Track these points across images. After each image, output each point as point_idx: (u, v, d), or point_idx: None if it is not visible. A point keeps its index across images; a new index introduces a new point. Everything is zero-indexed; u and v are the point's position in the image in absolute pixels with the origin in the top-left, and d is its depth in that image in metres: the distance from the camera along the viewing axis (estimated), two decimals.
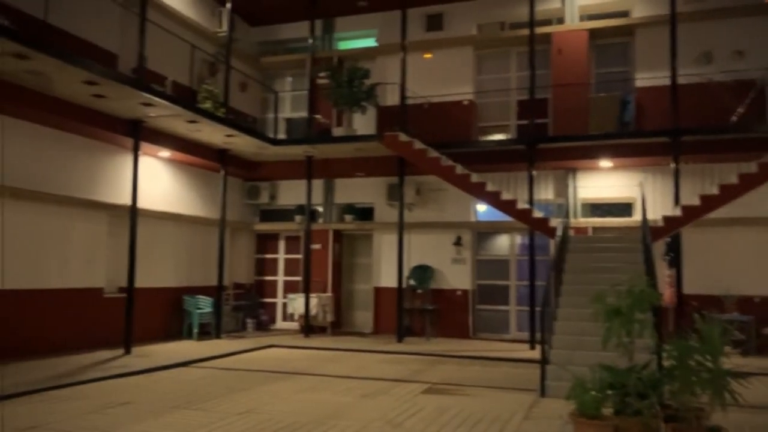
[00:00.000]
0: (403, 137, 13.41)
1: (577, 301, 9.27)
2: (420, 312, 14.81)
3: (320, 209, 16.44)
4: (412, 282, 14.94)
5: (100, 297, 12.11)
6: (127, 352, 11.23)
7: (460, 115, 14.97)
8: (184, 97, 12.46)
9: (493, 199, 13.07)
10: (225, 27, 14.90)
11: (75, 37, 10.84)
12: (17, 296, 10.32)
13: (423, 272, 15.02)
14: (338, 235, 16.31)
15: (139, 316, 11.84)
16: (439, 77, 15.33)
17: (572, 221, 13.68)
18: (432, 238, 15.19)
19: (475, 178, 13.17)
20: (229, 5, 14.69)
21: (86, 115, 10.96)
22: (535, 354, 9.80)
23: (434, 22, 15.83)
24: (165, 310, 13.83)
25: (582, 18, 14.82)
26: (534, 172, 13.39)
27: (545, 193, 14.51)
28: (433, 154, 13.39)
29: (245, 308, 15.94)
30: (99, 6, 11.25)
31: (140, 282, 12.10)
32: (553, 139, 13.76)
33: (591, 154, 13.49)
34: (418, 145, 13.42)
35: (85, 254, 11.80)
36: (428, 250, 15.17)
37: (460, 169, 13.23)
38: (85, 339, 11.54)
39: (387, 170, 14.93)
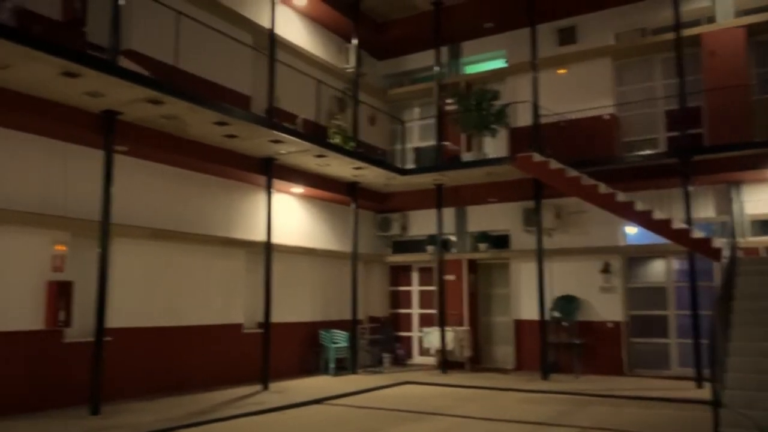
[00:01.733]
0: (537, 157, 12.56)
1: (754, 332, 7.94)
2: (566, 346, 13.63)
3: (453, 238, 15.87)
4: (555, 314, 13.83)
5: (239, 333, 12.32)
6: (265, 388, 11.24)
7: (600, 131, 13.84)
8: (314, 133, 12.57)
9: (644, 220, 11.78)
10: (352, 63, 15.01)
11: (208, 81, 11.29)
12: (161, 333, 10.70)
13: (568, 303, 13.86)
14: (473, 264, 15.60)
15: (276, 351, 11.88)
16: (575, 92, 14.35)
17: (740, 241, 12.01)
18: (576, 265, 14.02)
19: (621, 197, 11.99)
20: (355, 41, 14.80)
21: (220, 156, 11.31)
22: (704, 393, 8.46)
23: (567, 36, 14.94)
24: (301, 345, 13.85)
25: (737, 14, 13.22)
26: (690, 188, 11.94)
27: (704, 210, 12.91)
28: (572, 173, 12.40)
29: (381, 343, 15.62)
30: (231, 51, 11.66)
31: (277, 317, 12.19)
32: (710, 150, 12.22)
33: (758, 163, 11.80)
34: (555, 164, 12.50)
35: (224, 291, 12.09)
36: (572, 279, 14.01)
37: (603, 189, 12.11)
38: (226, 375, 11.73)
39: (522, 194, 14.10)
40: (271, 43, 12.15)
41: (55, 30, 8.68)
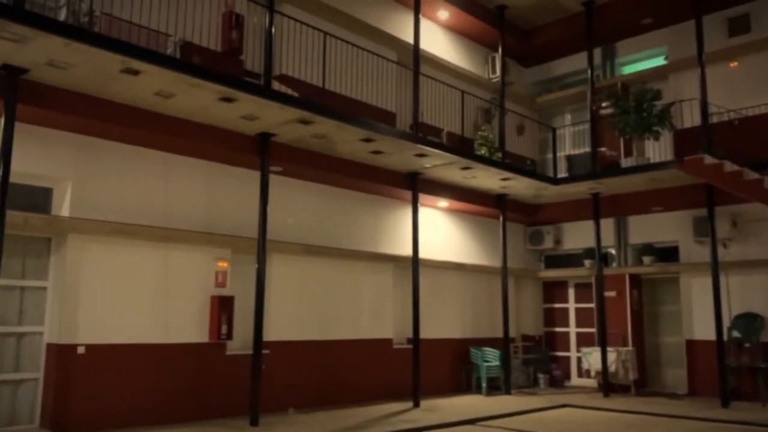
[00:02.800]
0: (708, 160, 11.30)
1: None
2: (749, 370, 12.08)
3: (612, 252, 14.78)
4: (735, 334, 12.32)
5: (389, 348, 12.31)
6: (416, 405, 11.07)
7: None
8: (459, 146, 12.33)
9: None
10: (498, 72, 14.62)
11: (355, 100, 11.47)
12: (314, 347, 10.95)
13: (750, 322, 12.29)
14: (636, 279, 14.39)
15: (426, 367, 11.68)
16: (750, 87, 12.85)
17: None
18: (758, 279, 12.41)
19: None
20: (500, 50, 14.41)
21: (367, 172, 11.43)
22: None
23: (738, 25, 13.44)
24: (451, 362, 13.56)
25: None
26: None
27: None
28: (752, 176, 11.01)
29: (535, 362, 14.87)
30: (376, 69, 11.79)
31: (426, 333, 12.00)
32: None
33: None
34: (730, 167, 11.18)
35: (373, 305, 12.16)
36: (755, 295, 12.41)
37: None
38: (376, 390, 11.73)
39: (691, 201, 12.80)
40: (415, 57, 12.14)
41: (215, 60, 9.25)
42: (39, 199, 8.31)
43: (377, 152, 10.67)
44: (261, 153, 9.51)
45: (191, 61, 8.25)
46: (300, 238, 10.90)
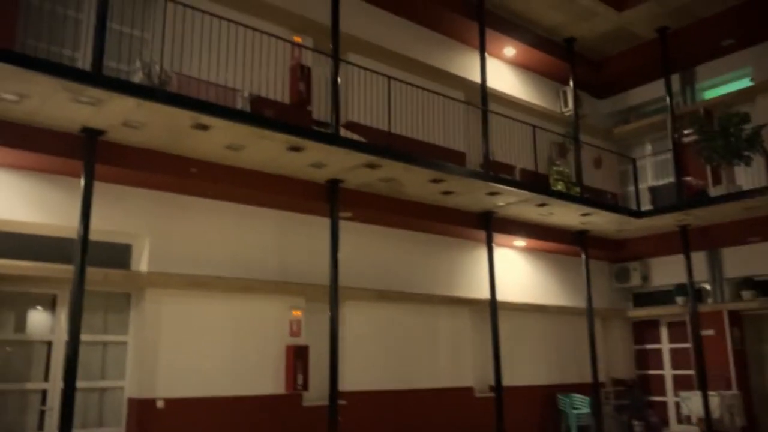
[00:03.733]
0: None
1: None
2: None
3: (707, 287, 13.77)
4: None
5: (470, 397, 11.81)
6: None
7: None
8: (533, 182, 11.92)
9: None
10: (570, 105, 14.22)
11: (423, 142, 11.36)
12: (392, 397, 10.62)
13: None
14: (735, 316, 13.30)
15: (510, 416, 11.09)
16: None
17: None
18: None
19: None
20: (571, 83, 14.03)
21: (439, 214, 11.21)
22: None
23: None
24: (538, 410, 12.85)
25: None
26: None
27: None
28: None
29: (629, 408, 13.89)
30: (444, 109, 11.67)
31: (508, 380, 11.45)
32: None
33: None
34: None
35: (451, 352, 11.75)
36: None
37: None
38: None
39: None
40: (483, 95, 11.99)
41: (284, 111, 9.41)
42: (119, 255, 8.56)
43: (447, 192, 10.46)
44: (330, 199, 9.50)
45: (260, 114, 8.39)
46: (373, 283, 10.72)
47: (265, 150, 8.20)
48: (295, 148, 8.19)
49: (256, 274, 9.40)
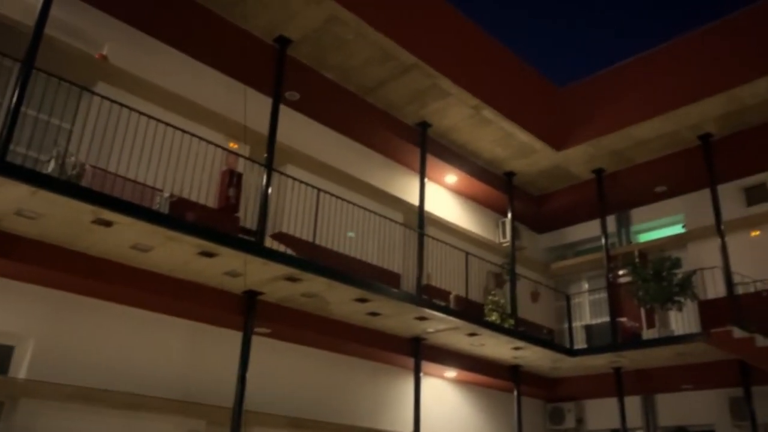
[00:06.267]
0: (738, 333, 10.30)
1: None
2: None
3: None
4: None
5: None
6: None
7: None
8: (466, 310, 11.53)
9: None
10: (508, 237, 14.24)
11: (359, 260, 11.01)
12: None
13: None
14: None
15: None
16: None
17: None
18: None
19: None
20: (510, 216, 14.14)
21: (365, 336, 10.63)
22: None
23: (756, 194, 13.09)
24: None
25: None
26: None
27: None
28: None
29: None
30: (382, 230, 11.44)
31: None
32: None
33: None
34: (762, 342, 10.14)
35: None
36: None
37: None
38: None
39: (725, 379, 11.64)
40: (420, 220, 11.87)
41: (210, 216, 8.98)
42: None
43: (374, 314, 9.98)
44: (246, 312, 8.88)
45: (171, 215, 7.89)
46: (286, 409, 9.83)
47: (175, 253, 7.67)
48: (208, 254, 7.69)
49: (152, 389, 8.48)
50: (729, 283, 11.56)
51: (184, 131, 8.23)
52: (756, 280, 11.74)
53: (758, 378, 10.90)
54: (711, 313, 11.95)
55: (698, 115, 11.93)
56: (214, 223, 8.25)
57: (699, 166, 12.62)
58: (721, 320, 11.10)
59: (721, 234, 11.93)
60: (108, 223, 6.85)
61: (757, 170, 12.97)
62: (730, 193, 13.06)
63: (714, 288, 12.12)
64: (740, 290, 11.72)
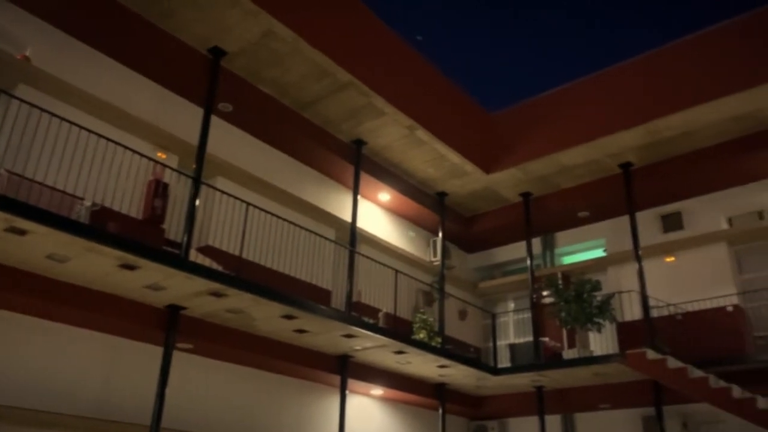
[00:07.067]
0: (651, 355, 10.77)
1: None
2: None
3: None
4: None
5: None
6: None
7: (724, 325, 11.90)
8: (395, 328, 11.61)
9: None
10: (439, 256, 14.45)
11: (290, 277, 10.93)
12: None
13: None
14: None
15: None
16: (690, 282, 12.77)
17: None
18: None
19: (763, 403, 9.81)
20: (440, 235, 14.37)
21: (292, 353, 10.51)
22: None
23: (672, 222, 13.79)
24: None
25: None
26: None
27: None
28: (697, 373, 10.45)
29: None
30: (313, 246, 11.42)
31: None
32: None
33: None
34: (674, 363, 10.64)
35: None
36: None
37: (738, 392, 10.03)
38: None
39: (639, 399, 12.11)
40: (352, 237, 11.90)
41: (133, 227, 8.74)
42: None
43: (301, 331, 9.89)
44: (167, 327, 8.64)
45: (90, 224, 7.61)
46: (207, 427, 9.60)
47: (94, 264, 7.40)
48: (129, 266, 7.47)
49: (65, 407, 8.12)
50: (645, 306, 12.10)
51: (108, 139, 8.01)
52: (670, 303, 12.34)
53: (670, 398, 11.39)
54: (628, 334, 12.50)
55: (619, 145, 12.53)
56: (138, 235, 8.03)
57: (620, 194, 13.22)
58: (637, 342, 11.60)
59: (638, 259, 12.51)
60: (22, 232, 6.56)
61: (673, 199, 13.70)
62: (648, 220, 13.72)
63: (631, 311, 12.66)
64: (655, 313, 12.29)
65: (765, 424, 9.82)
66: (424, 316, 12.93)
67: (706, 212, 13.30)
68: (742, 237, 12.74)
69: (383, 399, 12.95)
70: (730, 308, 12.05)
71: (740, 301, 12.17)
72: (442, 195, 14.55)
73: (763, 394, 10.10)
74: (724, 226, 13.10)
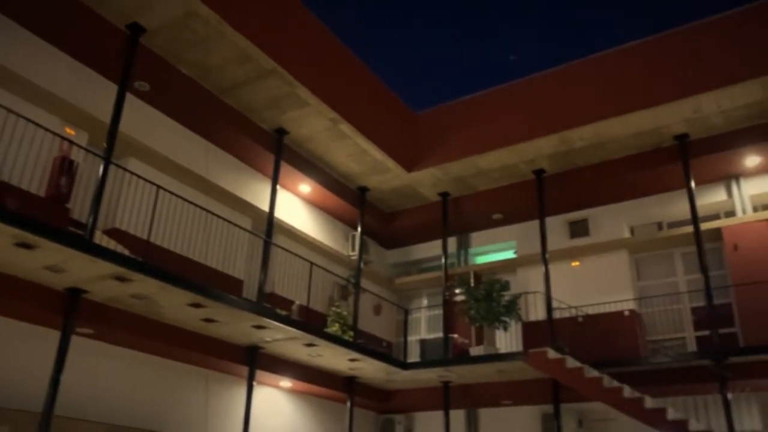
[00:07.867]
0: (552, 354, 11.25)
1: None
2: None
3: None
4: None
5: None
6: None
7: (621, 328, 12.57)
8: (309, 321, 11.58)
9: (679, 431, 10.10)
10: (357, 250, 14.53)
11: (200, 264, 10.71)
12: None
13: None
14: None
15: None
16: (592, 286, 13.42)
17: None
18: None
19: (650, 402, 10.45)
20: (359, 229, 14.45)
21: (200, 343, 10.30)
22: None
23: (579, 228, 14.43)
24: None
25: (756, 209, 12.62)
26: (729, 395, 10.42)
27: (749, 421, 11.17)
28: (592, 373, 11.00)
29: None
30: (228, 234, 11.23)
31: None
32: (747, 351, 10.86)
33: None
34: (572, 363, 11.15)
35: None
36: None
37: (628, 392, 10.63)
38: None
39: (539, 397, 12.59)
40: (268, 227, 11.77)
41: (35, 205, 8.32)
42: None
43: (209, 320, 9.71)
44: (66, 311, 8.27)
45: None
46: (104, 416, 9.26)
47: None
48: (26, 245, 7.10)
49: None
50: (549, 307, 12.62)
51: (10, 110, 7.58)
52: (572, 306, 12.92)
53: (567, 396, 11.92)
54: (532, 334, 13.00)
55: (535, 151, 13.00)
56: (39, 213, 7.65)
57: (532, 199, 13.71)
58: (540, 341, 12.08)
59: (545, 262, 13.02)
60: None
61: (581, 206, 14.34)
62: (557, 225, 14.31)
63: (536, 311, 13.18)
64: (558, 315, 12.84)
65: (650, 422, 10.46)
66: (339, 310, 13.00)
67: (611, 221, 14.01)
68: (642, 246, 13.52)
69: (292, 391, 12.90)
70: (627, 313, 12.75)
71: (636, 306, 12.90)
72: (363, 190, 14.63)
73: (653, 395, 10.77)
74: (626, 234, 13.83)
